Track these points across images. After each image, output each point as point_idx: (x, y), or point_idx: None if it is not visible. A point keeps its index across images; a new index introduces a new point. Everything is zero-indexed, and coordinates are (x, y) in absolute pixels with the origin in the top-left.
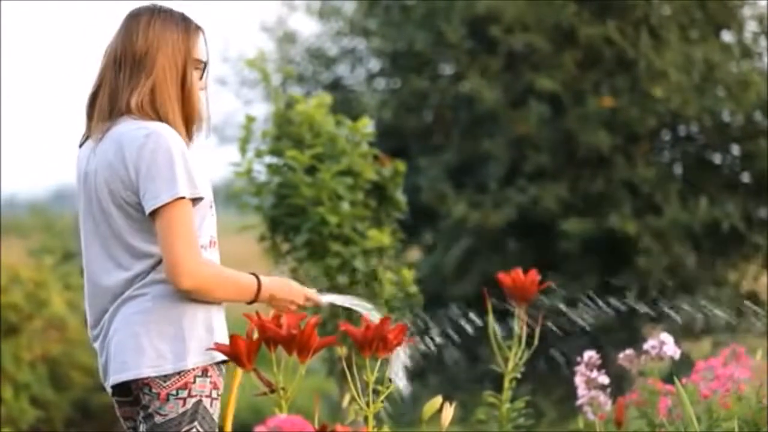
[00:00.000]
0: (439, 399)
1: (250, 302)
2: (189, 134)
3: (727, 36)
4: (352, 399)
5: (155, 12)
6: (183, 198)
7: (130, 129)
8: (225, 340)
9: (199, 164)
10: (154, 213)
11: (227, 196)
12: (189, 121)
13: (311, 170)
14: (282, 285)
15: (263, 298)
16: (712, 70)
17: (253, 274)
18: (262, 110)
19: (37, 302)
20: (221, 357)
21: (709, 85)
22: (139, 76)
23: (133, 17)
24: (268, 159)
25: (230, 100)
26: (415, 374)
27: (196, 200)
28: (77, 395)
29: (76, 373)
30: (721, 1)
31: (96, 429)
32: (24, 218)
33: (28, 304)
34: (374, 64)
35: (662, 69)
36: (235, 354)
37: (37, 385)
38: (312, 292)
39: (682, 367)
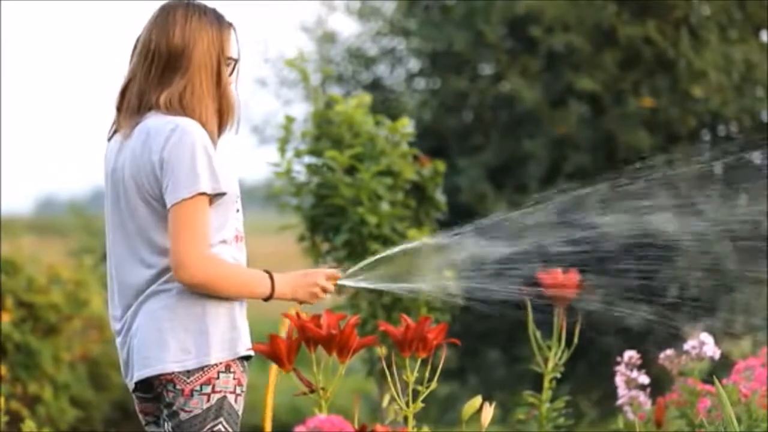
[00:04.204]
0: (478, 399)
1: (266, 299)
2: (221, 130)
3: (765, 36)
4: (392, 399)
5: (190, 7)
6: (203, 194)
7: (157, 123)
8: (248, 336)
9: (226, 159)
10: (172, 206)
11: (267, 196)
12: (222, 117)
13: (351, 170)
14: (299, 281)
15: (281, 294)
16: (751, 70)
17: (266, 271)
18: (301, 110)
19: (76, 302)
20: (244, 352)
21: (749, 85)
22: (173, 74)
23: (168, 11)
24: (308, 159)
25: (270, 101)
26: (455, 374)
27: (218, 195)
28: (117, 395)
29: (116, 373)
30: (760, 1)
31: (135, 429)
32: (63, 218)
33: (68, 304)
34: (414, 64)
35: (702, 69)
36: (275, 354)
37: (76, 385)
38: (328, 284)
39: (723, 367)
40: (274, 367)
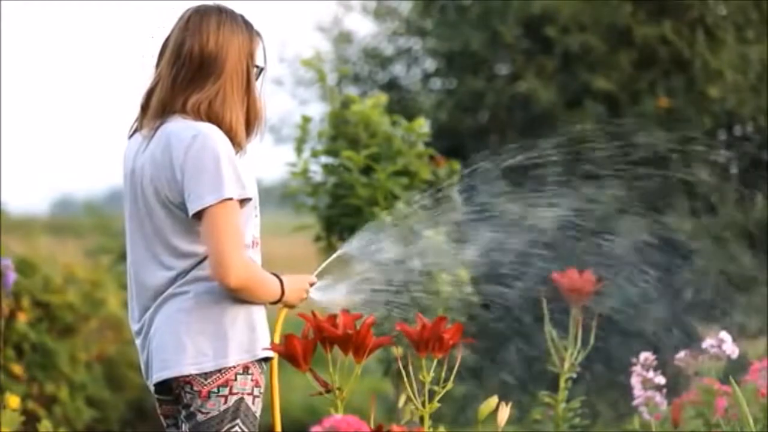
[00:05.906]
0: (495, 399)
1: (274, 303)
2: (248, 136)
3: None
4: (408, 399)
5: (223, 13)
6: (230, 199)
7: (179, 128)
8: (266, 337)
9: (246, 165)
10: (199, 213)
11: (283, 196)
12: (250, 124)
13: (367, 170)
14: (298, 284)
15: (287, 298)
16: (767, 70)
17: (274, 274)
18: (318, 110)
19: (93, 302)
20: (263, 354)
21: (764, 85)
22: (205, 79)
23: (202, 16)
24: (324, 159)
25: (286, 100)
26: (471, 374)
27: (244, 201)
28: (133, 395)
29: (132, 373)
30: None
31: (151, 429)
32: (80, 218)
33: (84, 304)
34: (430, 64)
35: (718, 69)
36: (291, 354)
37: (92, 385)
38: (310, 289)
39: (739, 367)
40: (274, 367)
